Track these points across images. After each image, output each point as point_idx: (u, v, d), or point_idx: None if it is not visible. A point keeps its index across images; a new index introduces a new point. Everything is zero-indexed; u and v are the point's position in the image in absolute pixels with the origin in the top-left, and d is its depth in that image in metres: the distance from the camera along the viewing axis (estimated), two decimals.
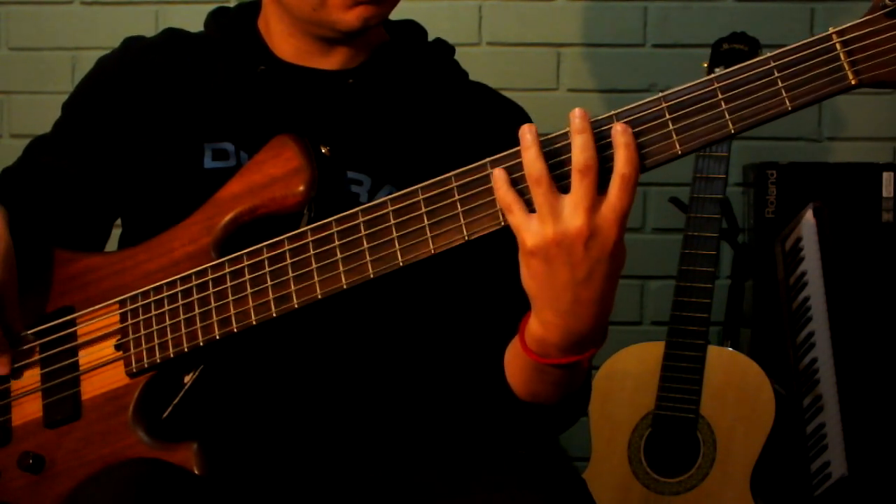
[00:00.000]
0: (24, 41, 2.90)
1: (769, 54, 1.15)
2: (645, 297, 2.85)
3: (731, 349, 2.37)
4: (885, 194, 2.50)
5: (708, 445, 2.32)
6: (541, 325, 1.22)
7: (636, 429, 2.37)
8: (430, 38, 1.58)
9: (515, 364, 1.31)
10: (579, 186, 1.15)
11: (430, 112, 1.49)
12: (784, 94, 1.14)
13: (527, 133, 1.19)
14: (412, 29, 1.56)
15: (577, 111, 1.18)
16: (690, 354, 2.33)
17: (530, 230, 1.17)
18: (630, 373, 2.39)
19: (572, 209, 1.15)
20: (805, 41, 1.14)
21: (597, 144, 1.16)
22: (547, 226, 1.16)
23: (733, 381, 2.33)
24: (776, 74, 1.14)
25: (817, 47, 1.13)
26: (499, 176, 1.19)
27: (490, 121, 1.50)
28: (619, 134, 1.16)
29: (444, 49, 1.56)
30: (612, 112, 1.18)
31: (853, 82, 1.12)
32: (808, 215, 2.48)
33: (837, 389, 2.45)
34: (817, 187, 2.53)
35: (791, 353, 2.50)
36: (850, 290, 2.48)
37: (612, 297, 1.21)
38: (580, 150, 1.16)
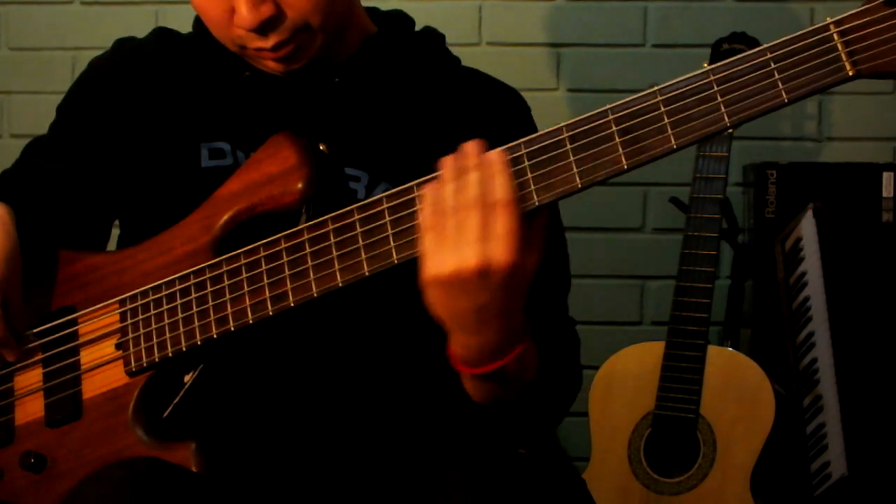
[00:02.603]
0: (24, 41, 2.90)
1: (766, 45, 1.13)
2: (645, 297, 2.85)
3: (731, 349, 2.37)
4: (885, 194, 2.50)
5: (708, 445, 2.32)
6: (455, 344, 1.26)
7: (636, 429, 2.37)
8: None
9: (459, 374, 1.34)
10: (472, 220, 1.17)
11: (422, 103, 1.49)
12: (781, 87, 1.12)
13: (443, 166, 1.21)
14: (399, 19, 1.55)
15: (468, 146, 1.20)
16: (690, 354, 2.33)
17: (432, 259, 1.19)
18: (630, 373, 2.39)
19: (465, 243, 1.17)
20: (802, 32, 1.12)
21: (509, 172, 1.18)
22: (446, 258, 1.18)
23: (733, 381, 2.33)
24: (773, 66, 1.13)
25: (814, 38, 1.11)
26: (425, 195, 1.21)
27: (484, 106, 1.49)
28: (493, 164, 1.18)
29: (432, 37, 1.56)
30: (608, 106, 1.18)
31: (850, 73, 1.10)
32: (808, 215, 2.48)
33: (837, 389, 2.45)
34: (817, 187, 2.52)
35: (791, 353, 2.50)
36: (850, 290, 2.48)
37: (518, 308, 1.23)
38: (474, 186, 1.18)
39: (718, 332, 2.56)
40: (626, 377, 2.39)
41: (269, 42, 1.37)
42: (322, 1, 1.37)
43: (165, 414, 1.35)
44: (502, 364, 1.26)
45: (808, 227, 2.48)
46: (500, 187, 1.17)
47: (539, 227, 1.21)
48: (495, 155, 1.19)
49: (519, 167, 1.20)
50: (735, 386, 2.32)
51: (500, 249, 1.16)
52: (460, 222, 1.17)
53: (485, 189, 1.18)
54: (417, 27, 1.57)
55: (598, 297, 2.83)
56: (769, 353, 2.51)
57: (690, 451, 2.34)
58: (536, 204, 1.19)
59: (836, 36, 1.10)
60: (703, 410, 2.32)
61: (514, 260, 1.17)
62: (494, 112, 1.48)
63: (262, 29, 1.36)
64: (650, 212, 2.84)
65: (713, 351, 2.34)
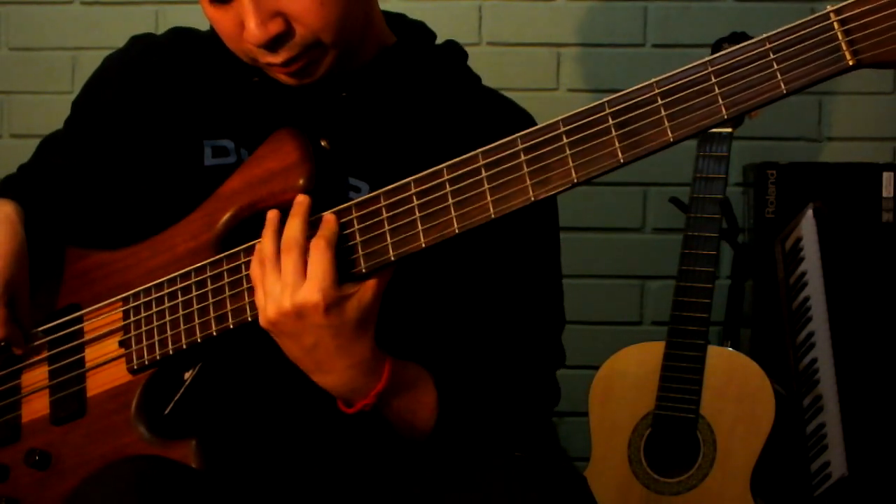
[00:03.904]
0: (24, 41, 2.90)
1: (764, 35, 1.11)
2: (645, 297, 2.85)
3: (731, 349, 2.37)
4: (885, 194, 2.50)
5: (708, 445, 2.32)
6: (321, 384, 1.31)
7: (636, 429, 2.37)
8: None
9: None
10: (289, 264, 1.23)
11: (431, 118, 1.47)
12: (779, 77, 1.10)
13: (268, 216, 1.27)
14: (419, 31, 1.53)
15: (298, 198, 1.27)
16: (690, 354, 2.33)
17: (260, 310, 1.26)
18: (630, 373, 2.39)
19: (284, 286, 1.23)
20: (801, 21, 1.10)
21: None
22: (269, 305, 1.24)
23: (733, 381, 2.33)
24: (771, 56, 1.11)
25: (814, 27, 1.09)
26: (259, 250, 1.27)
27: (495, 129, 1.46)
28: (325, 222, 1.26)
29: (451, 53, 1.54)
30: (605, 99, 1.17)
31: (850, 63, 1.07)
32: (808, 215, 2.48)
33: (837, 389, 2.45)
34: (817, 187, 2.53)
35: (791, 353, 2.50)
36: (850, 290, 2.48)
37: (356, 348, 1.26)
38: (292, 229, 1.25)
39: (718, 332, 2.56)
40: (626, 377, 2.39)
41: (279, 58, 1.36)
42: (333, 18, 1.34)
43: (167, 411, 1.36)
44: (366, 402, 1.29)
45: (808, 227, 2.48)
46: (320, 227, 1.24)
47: (384, 273, 1.25)
48: (327, 214, 1.25)
49: (515, 162, 1.20)
50: (735, 386, 2.32)
51: (311, 289, 1.21)
52: (282, 267, 1.23)
53: (302, 231, 1.24)
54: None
55: (598, 297, 2.83)
56: (769, 353, 2.51)
57: (690, 451, 2.34)
58: (533, 199, 1.19)
59: (836, 24, 1.08)
60: (703, 410, 2.33)
61: (326, 299, 1.21)
62: (504, 136, 1.47)
63: (272, 45, 1.34)
64: (650, 212, 2.84)
65: (713, 351, 2.34)
